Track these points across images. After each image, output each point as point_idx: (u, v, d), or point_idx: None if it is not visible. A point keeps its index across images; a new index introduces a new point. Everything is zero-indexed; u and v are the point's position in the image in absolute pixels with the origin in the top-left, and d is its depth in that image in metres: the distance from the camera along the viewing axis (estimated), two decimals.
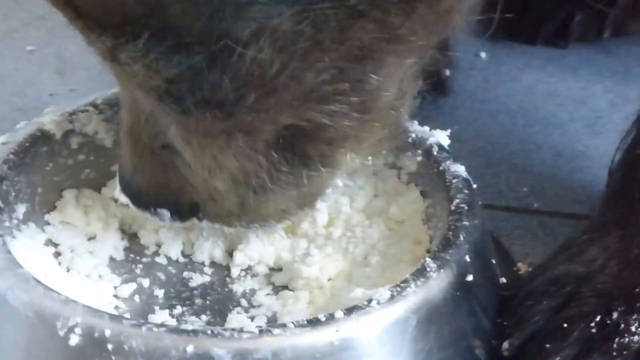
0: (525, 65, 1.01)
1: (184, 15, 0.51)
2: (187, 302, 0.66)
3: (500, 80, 0.98)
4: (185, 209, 0.63)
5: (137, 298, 0.66)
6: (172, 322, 0.62)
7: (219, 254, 0.69)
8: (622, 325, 0.61)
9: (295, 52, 0.53)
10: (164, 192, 0.62)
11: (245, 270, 0.69)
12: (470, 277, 0.62)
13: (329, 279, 0.66)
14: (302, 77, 0.54)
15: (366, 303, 0.57)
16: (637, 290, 0.62)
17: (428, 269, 0.60)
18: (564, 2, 1.00)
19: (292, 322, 0.56)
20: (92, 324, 0.55)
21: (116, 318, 0.56)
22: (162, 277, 0.68)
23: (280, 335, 0.55)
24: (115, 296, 0.66)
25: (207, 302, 0.66)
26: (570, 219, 0.79)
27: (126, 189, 0.64)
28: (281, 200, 0.62)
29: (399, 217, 0.70)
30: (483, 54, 1.01)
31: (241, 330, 0.55)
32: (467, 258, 0.62)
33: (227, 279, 0.68)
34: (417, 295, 0.58)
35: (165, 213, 0.63)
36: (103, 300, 0.65)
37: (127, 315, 0.63)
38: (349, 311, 0.57)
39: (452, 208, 0.65)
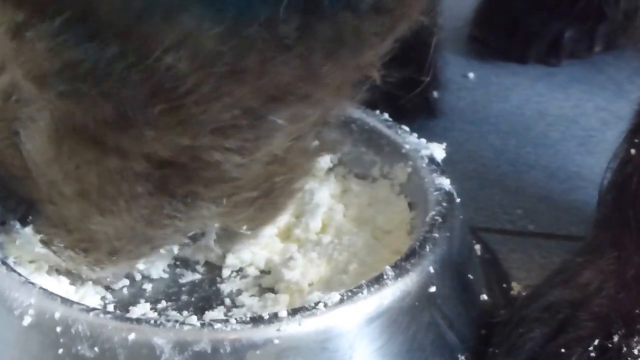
0: (515, 84, 0.99)
1: (111, 7, 0.50)
2: (172, 298, 0.66)
3: (489, 101, 0.97)
4: (14, 203, 0.61)
5: (125, 290, 0.67)
6: (152, 315, 0.63)
7: (213, 254, 0.69)
8: (625, 349, 0.60)
9: (212, 75, 0.52)
10: (3, 174, 0.60)
11: (237, 271, 0.69)
12: (433, 289, 0.61)
13: (310, 284, 0.66)
14: (210, 105, 0.54)
15: (313, 305, 0.57)
16: (636, 311, 0.61)
17: (385, 277, 0.59)
18: (554, 19, 1.00)
19: (235, 318, 0.56)
20: (44, 305, 0.57)
21: (67, 302, 0.57)
22: (155, 272, 0.68)
23: (221, 329, 0.55)
24: (106, 287, 0.66)
25: (193, 299, 0.66)
26: (567, 240, 0.77)
27: None
28: (120, 234, 0.60)
29: (385, 227, 0.70)
30: (471, 75, 1.00)
31: (183, 322, 0.56)
32: (431, 269, 0.61)
33: (217, 278, 0.68)
34: (367, 302, 0.58)
35: None
36: (91, 290, 0.65)
37: (111, 307, 0.64)
38: (294, 312, 0.57)
39: (427, 220, 0.65)
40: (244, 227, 0.65)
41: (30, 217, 0.61)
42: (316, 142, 0.65)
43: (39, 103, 0.57)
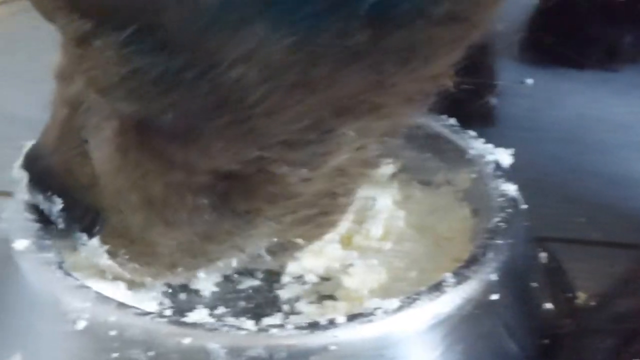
0: (573, 90, 0.97)
1: (180, 19, 0.49)
2: (230, 304, 0.65)
3: (547, 107, 0.95)
4: (81, 212, 0.60)
5: (183, 296, 0.66)
6: (210, 321, 0.62)
7: (270, 264, 0.67)
8: None
9: (281, 85, 0.51)
10: (71, 183, 0.59)
11: (296, 278, 0.68)
12: (495, 297, 0.59)
13: (370, 291, 0.65)
14: (279, 115, 0.52)
15: (371, 311, 0.56)
16: None
17: (445, 284, 0.58)
18: (612, 24, 0.98)
19: (292, 323, 0.55)
20: (99, 309, 0.56)
21: (122, 306, 0.56)
22: (213, 278, 0.67)
23: (277, 334, 0.54)
24: (163, 292, 0.66)
25: (251, 305, 0.65)
26: (632, 249, 0.75)
27: (31, 164, 0.61)
28: (180, 247, 0.60)
29: (447, 234, 0.69)
30: (528, 81, 0.99)
31: (239, 327, 0.55)
32: (493, 277, 0.60)
33: (276, 284, 0.67)
34: (427, 309, 0.57)
35: (59, 203, 0.60)
36: (148, 295, 0.65)
37: (168, 312, 0.63)
38: (351, 318, 0.55)
39: (490, 226, 0.63)
40: (299, 239, 0.64)
41: (97, 228, 0.60)
42: (378, 150, 0.63)
43: (105, 112, 0.56)
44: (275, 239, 0.63)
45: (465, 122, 0.77)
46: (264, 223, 0.60)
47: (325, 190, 0.60)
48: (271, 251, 0.64)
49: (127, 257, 0.61)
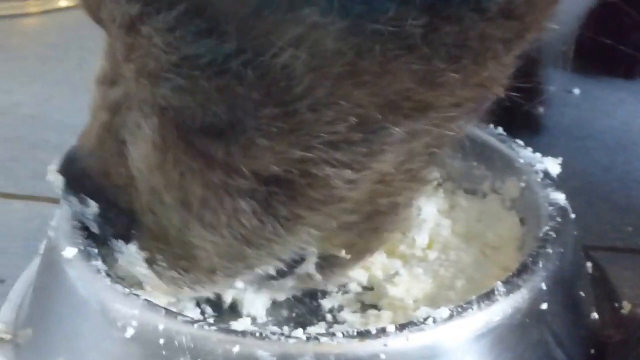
0: (620, 100, 0.97)
1: (227, 1, 0.48)
2: (273, 313, 0.65)
3: (594, 117, 0.94)
4: (115, 215, 0.59)
5: (225, 305, 0.65)
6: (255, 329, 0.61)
7: (314, 283, 0.66)
8: None
9: (329, 76, 0.49)
10: (106, 185, 0.58)
11: (339, 287, 0.67)
12: (544, 306, 0.59)
13: (415, 300, 0.65)
14: (324, 111, 0.51)
15: (421, 320, 0.55)
16: None
17: (496, 293, 0.57)
18: None
19: (342, 332, 0.55)
20: (147, 317, 0.55)
21: (171, 314, 0.56)
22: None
23: (327, 343, 0.54)
24: (206, 300, 0.65)
25: (293, 314, 0.65)
26: None
27: (67, 167, 0.59)
28: (219, 250, 0.58)
29: (494, 243, 0.68)
30: (576, 90, 0.98)
31: (288, 335, 0.54)
32: (543, 286, 0.59)
33: (319, 294, 0.67)
34: (477, 318, 0.56)
35: (93, 206, 0.59)
36: (190, 304, 0.64)
37: (210, 320, 0.63)
38: (401, 326, 0.55)
39: (540, 235, 0.63)
40: (343, 252, 0.62)
41: (132, 232, 0.59)
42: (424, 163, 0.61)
43: (147, 109, 0.55)
44: (325, 254, 0.62)
45: (512, 131, 0.76)
46: (304, 231, 0.58)
47: (366, 198, 0.58)
48: (321, 268, 0.63)
49: (164, 263, 0.59)
